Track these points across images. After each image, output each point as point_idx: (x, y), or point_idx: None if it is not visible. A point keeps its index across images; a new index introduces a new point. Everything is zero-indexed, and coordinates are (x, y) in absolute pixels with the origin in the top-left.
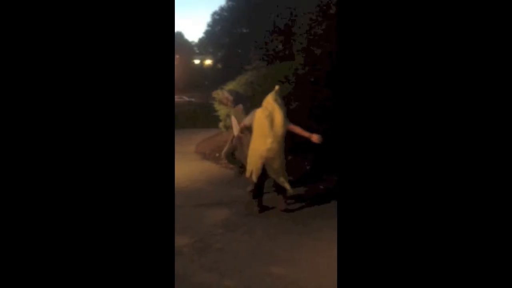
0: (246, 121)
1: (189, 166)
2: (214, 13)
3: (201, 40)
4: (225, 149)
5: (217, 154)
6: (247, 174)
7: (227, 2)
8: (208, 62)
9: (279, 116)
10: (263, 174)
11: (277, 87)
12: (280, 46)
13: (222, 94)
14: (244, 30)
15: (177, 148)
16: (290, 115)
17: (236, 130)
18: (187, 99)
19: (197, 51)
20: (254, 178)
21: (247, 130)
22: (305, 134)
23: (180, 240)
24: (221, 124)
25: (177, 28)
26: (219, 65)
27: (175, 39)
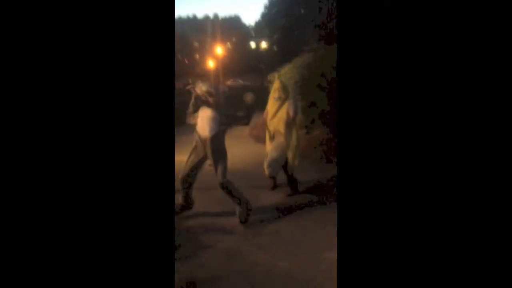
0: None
1: (243, 149)
2: None
3: (257, 23)
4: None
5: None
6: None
7: None
8: (264, 45)
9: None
10: None
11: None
12: None
13: (200, 87)
14: (302, 11)
15: (230, 132)
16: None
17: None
18: (241, 82)
19: (253, 35)
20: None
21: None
22: None
23: (234, 220)
24: None
25: (234, 12)
26: (275, 48)
27: (232, 23)
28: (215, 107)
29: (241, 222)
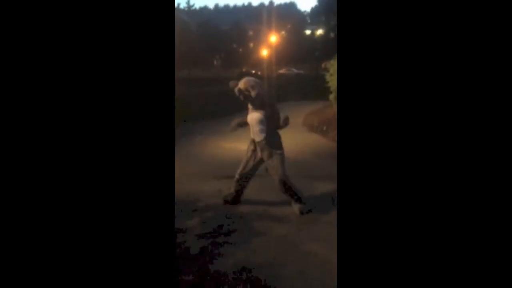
0: None
1: (296, 138)
2: None
3: (313, 8)
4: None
5: (325, 127)
6: None
7: None
8: (319, 32)
9: None
10: None
11: None
12: None
13: (246, 82)
14: None
15: None
16: None
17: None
18: (295, 71)
19: (309, 21)
20: None
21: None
22: None
23: (288, 208)
24: (331, 96)
25: None
26: (332, 34)
27: (287, 9)
28: (257, 104)
29: (301, 214)
